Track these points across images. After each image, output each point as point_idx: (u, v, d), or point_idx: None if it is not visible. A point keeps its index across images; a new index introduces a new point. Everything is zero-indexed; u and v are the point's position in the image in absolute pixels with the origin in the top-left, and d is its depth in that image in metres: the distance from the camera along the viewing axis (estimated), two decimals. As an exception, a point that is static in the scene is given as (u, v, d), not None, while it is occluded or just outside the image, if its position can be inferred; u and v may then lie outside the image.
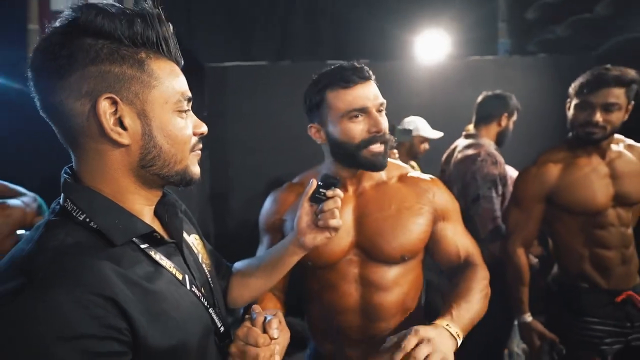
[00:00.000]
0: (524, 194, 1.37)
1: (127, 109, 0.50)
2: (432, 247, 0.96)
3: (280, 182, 1.10)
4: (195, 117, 0.59)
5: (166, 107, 0.53)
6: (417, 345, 0.66)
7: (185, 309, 0.54)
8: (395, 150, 1.86)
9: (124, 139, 0.50)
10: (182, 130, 0.55)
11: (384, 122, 0.87)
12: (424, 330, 0.68)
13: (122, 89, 0.49)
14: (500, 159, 1.63)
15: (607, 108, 1.22)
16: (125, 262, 0.50)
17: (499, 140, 1.80)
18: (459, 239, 0.95)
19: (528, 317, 1.38)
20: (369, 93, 0.86)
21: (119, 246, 0.50)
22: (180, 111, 0.55)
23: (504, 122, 1.77)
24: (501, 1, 3.93)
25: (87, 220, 0.49)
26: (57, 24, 0.50)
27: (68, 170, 0.54)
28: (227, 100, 2.93)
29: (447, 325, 0.75)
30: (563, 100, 2.95)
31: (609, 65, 1.24)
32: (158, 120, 0.52)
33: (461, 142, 1.83)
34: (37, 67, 0.49)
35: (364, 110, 0.85)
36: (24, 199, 1.47)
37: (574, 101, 1.32)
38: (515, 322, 2.03)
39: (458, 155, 1.73)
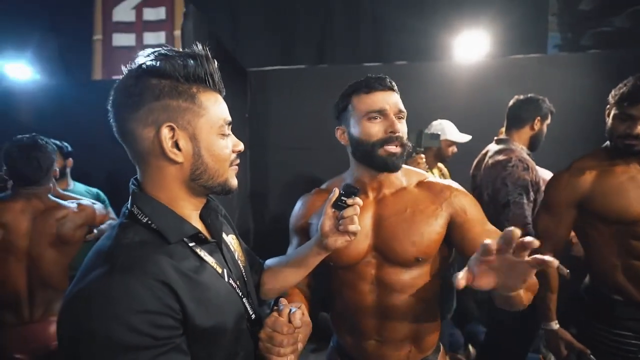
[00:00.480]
0: (555, 199, 1.34)
1: (182, 134, 0.62)
2: (461, 243, 0.94)
3: (317, 182, 1.18)
4: (234, 137, 0.70)
5: (212, 131, 0.64)
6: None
7: (223, 297, 0.66)
8: (422, 156, 1.87)
9: (179, 157, 0.62)
10: (223, 150, 0.66)
11: (401, 127, 0.93)
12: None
13: (178, 118, 0.61)
14: (532, 164, 1.59)
15: None
16: (177, 257, 0.61)
17: (532, 145, 1.75)
18: (487, 230, 0.94)
19: (555, 325, 1.36)
20: (388, 99, 0.94)
21: (173, 244, 0.62)
22: (223, 134, 0.66)
23: (537, 126, 1.72)
24: (551, -7, 3.72)
25: (149, 222, 0.62)
26: (130, 67, 0.63)
27: (134, 181, 0.67)
28: (267, 103, 3.07)
29: None
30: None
31: None
32: (205, 142, 0.63)
33: (492, 147, 1.80)
34: (115, 103, 0.63)
35: (382, 112, 0.93)
36: (96, 205, 1.75)
37: (614, 111, 1.26)
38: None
39: (489, 161, 1.70)
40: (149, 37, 4.82)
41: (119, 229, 0.61)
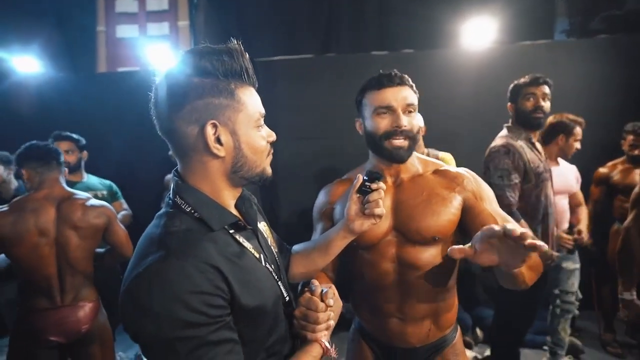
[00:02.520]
0: None
1: (223, 130, 0.65)
2: (470, 227, 0.99)
3: (325, 170, 1.21)
4: (267, 128, 0.73)
5: (249, 125, 0.67)
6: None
7: (262, 280, 0.70)
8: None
9: (221, 152, 0.65)
10: (261, 142, 0.69)
11: (409, 121, 0.99)
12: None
13: (219, 115, 0.64)
14: (519, 149, 1.68)
15: None
16: (221, 243, 0.65)
17: (524, 125, 1.77)
18: (496, 214, 0.99)
19: (628, 295, 1.48)
20: (397, 95, 0.99)
21: (216, 231, 0.65)
22: (259, 126, 0.69)
23: (511, 111, 1.84)
24: (560, -24, 3.64)
25: (192, 211, 0.65)
26: (172, 66, 0.65)
27: (176, 173, 0.71)
28: (276, 92, 3.07)
29: None
30: (629, 85, 2.71)
31: None
32: (244, 136, 0.67)
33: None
34: (158, 102, 0.66)
35: (389, 108, 1.00)
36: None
37: None
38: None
39: None
40: (153, 28, 4.78)
41: (167, 218, 0.65)
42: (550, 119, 2.11)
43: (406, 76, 1.03)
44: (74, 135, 2.30)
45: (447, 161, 2.33)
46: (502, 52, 2.88)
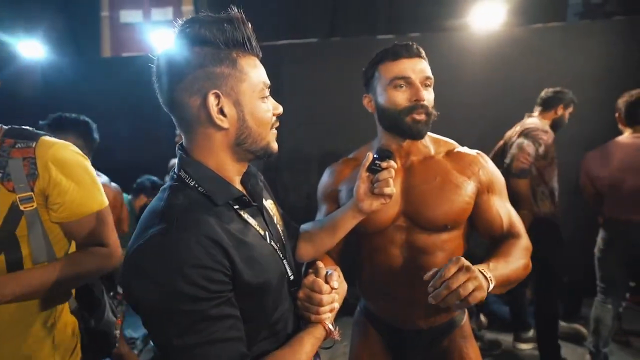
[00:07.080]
0: None
1: (226, 100, 0.62)
2: (475, 219, 1.00)
3: (331, 153, 1.18)
4: (273, 100, 0.70)
5: (254, 95, 0.65)
6: (456, 272, 0.71)
7: (266, 257, 0.69)
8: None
9: (225, 123, 0.63)
10: (265, 113, 0.67)
11: (427, 95, 0.94)
12: (464, 260, 0.74)
13: (222, 84, 0.62)
14: (551, 133, 2.06)
15: None
16: (225, 218, 0.64)
17: (554, 127, 2.15)
18: (502, 211, 0.98)
19: None
20: (414, 66, 0.93)
21: (220, 206, 0.64)
22: (263, 97, 0.67)
23: (559, 112, 2.17)
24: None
25: (196, 185, 0.64)
26: (173, 36, 0.63)
27: (181, 147, 0.70)
28: (278, 77, 3.02)
29: (482, 269, 0.78)
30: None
31: None
32: (248, 106, 0.64)
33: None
34: (159, 74, 0.64)
35: (407, 80, 0.93)
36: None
37: None
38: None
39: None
40: (157, 13, 4.75)
41: (170, 192, 0.64)
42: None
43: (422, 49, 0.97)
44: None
45: None
46: (513, 35, 2.80)
